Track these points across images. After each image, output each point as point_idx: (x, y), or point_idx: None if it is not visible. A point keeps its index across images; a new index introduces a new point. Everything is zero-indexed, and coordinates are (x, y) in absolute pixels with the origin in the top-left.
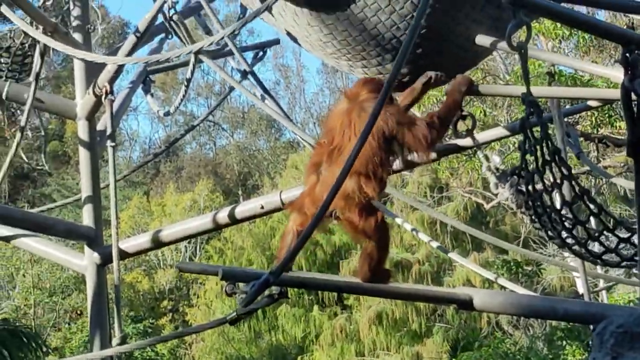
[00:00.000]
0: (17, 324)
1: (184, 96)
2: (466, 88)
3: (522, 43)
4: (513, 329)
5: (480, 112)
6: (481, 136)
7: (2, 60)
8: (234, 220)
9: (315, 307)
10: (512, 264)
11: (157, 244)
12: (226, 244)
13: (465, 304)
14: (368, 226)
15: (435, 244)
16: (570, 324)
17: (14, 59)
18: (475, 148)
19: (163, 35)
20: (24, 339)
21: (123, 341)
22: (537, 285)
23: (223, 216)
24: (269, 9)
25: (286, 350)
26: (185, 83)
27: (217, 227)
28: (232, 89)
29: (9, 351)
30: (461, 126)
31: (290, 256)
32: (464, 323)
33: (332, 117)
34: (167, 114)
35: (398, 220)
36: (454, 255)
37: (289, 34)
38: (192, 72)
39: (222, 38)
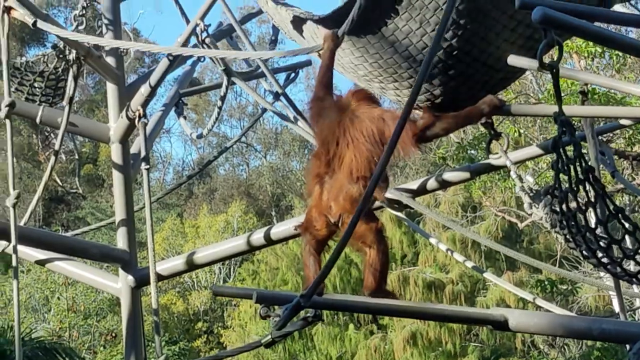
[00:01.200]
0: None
1: (217, 118)
2: (489, 109)
3: (554, 62)
4: (549, 348)
5: (515, 131)
6: (514, 155)
7: (35, 84)
8: (268, 242)
9: (351, 326)
10: (546, 283)
11: (192, 266)
12: (260, 265)
13: (500, 325)
14: (368, 231)
15: (470, 264)
16: (607, 343)
17: (48, 83)
18: (508, 168)
19: (195, 57)
20: (58, 357)
21: None
22: (573, 304)
23: (257, 238)
24: (301, 32)
25: None
26: (219, 103)
27: (252, 249)
28: (264, 110)
29: None
30: (494, 146)
31: (320, 278)
32: (499, 342)
33: (323, 129)
34: (200, 136)
35: (432, 240)
36: (489, 275)
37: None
38: (225, 93)
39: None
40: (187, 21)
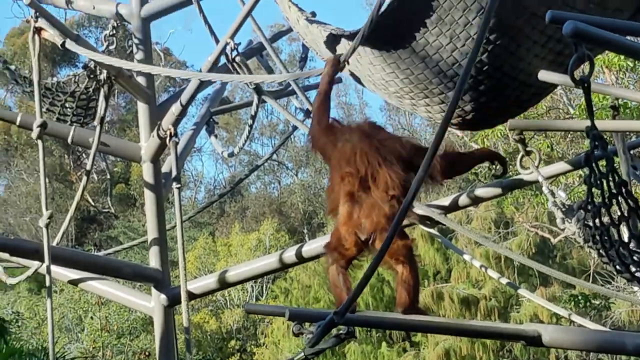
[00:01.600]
0: None
1: (247, 136)
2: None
3: (585, 77)
4: None
5: (547, 146)
6: (546, 170)
7: (67, 105)
8: (300, 260)
9: (384, 344)
10: (580, 298)
11: (224, 284)
12: (292, 282)
13: (534, 340)
14: (401, 248)
15: (505, 281)
16: None
17: (79, 103)
18: (540, 183)
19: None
20: None
21: None
22: (606, 319)
23: (289, 255)
24: (334, 51)
25: None
26: (250, 122)
27: (284, 267)
28: (295, 127)
29: None
30: (526, 162)
31: (354, 295)
32: (532, 358)
33: (346, 151)
34: (231, 154)
35: (466, 257)
36: (524, 292)
37: (352, 74)
38: (256, 111)
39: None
40: (217, 40)
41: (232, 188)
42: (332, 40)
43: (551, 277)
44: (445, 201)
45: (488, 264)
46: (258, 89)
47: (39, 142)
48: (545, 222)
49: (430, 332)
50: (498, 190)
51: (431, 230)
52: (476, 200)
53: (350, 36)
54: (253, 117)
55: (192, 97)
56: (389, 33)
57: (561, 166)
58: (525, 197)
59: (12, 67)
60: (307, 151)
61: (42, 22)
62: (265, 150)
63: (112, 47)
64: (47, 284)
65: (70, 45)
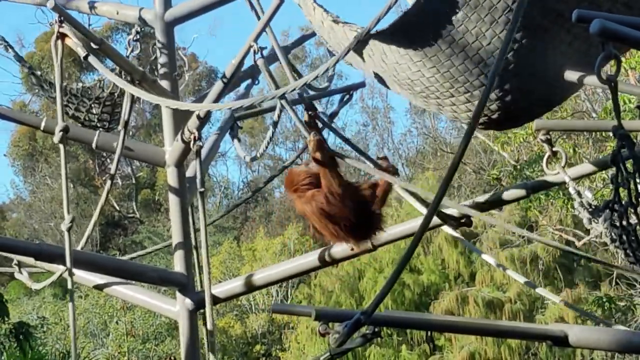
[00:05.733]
0: None
1: (269, 141)
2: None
3: (612, 76)
4: None
5: (570, 147)
6: (572, 171)
7: (93, 110)
8: (324, 263)
9: (404, 347)
10: (604, 299)
11: (248, 288)
12: (315, 288)
13: (560, 340)
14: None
15: (543, 292)
16: None
17: (104, 109)
18: (566, 184)
19: (249, 80)
20: None
21: None
22: (632, 321)
23: (314, 259)
24: (358, 52)
25: None
26: (272, 128)
27: (308, 271)
28: None
29: None
30: (552, 163)
31: (381, 296)
32: None
33: None
34: (253, 159)
35: (491, 260)
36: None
37: (376, 75)
38: (279, 117)
39: (304, 84)
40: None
41: (253, 193)
42: (358, 45)
43: (576, 280)
44: (469, 204)
45: (513, 267)
46: (281, 96)
47: (61, 146)
48: (569, 225)
49: (457, 332)
50: (523, 192)
51: (455, 233)
52: (501, 203)
53: (376, 35)
54: (275, 125)
55: (217, 100)
56: (416, 30)
57: (588, 167)
58: (548, 201)
59: (38, 73)
60: None
61: (66, 29)
62: (290, 155)
63: (135, 52)
64: (69, 287)
65: (93, 60)
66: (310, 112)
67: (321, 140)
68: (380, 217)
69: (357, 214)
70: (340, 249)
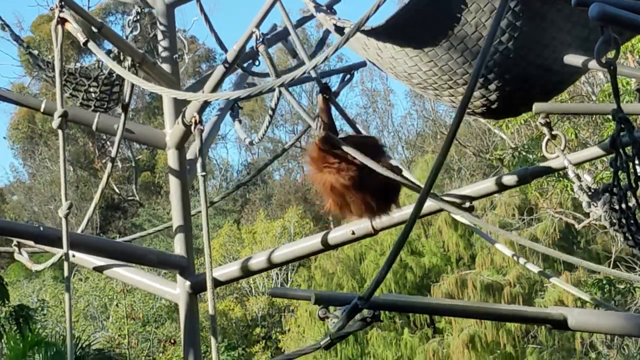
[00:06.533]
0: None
1: (268, 125)
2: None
3: (611, 60)
4: (607, 349)
5: (572, 133)
6: (572, 157)
7: (91, 90)
8: (326, 247)
9: (406, 330)
10: (604, 282)
11: (248, 271)
12: (315, 270)
13: (560, 324)
14: None
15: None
16: None
17: (102, 88)
18: (566, 168)
19: (250, 62)
20: None
21: None
22: (631, 304)
23: (314, 243)
24: (351, 47)
25: None
26: (270, 112)
27: (308, 254)
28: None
29: None
30: (551, 147)
31: (379, 279)
32: (557, 344)
33: None
34: (252, 143)
35: (498, 246)
36: (555, 280)
37: (374, 64)
38: (277, 100)
39: (305, 73)
40: (222, 46)
41: (253, 175)
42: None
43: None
44: (470, 189)
45: (512, 250)
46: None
47: (60, 132)
48: (569, 208)
49: (456, 315)
50: (524, 178)
51: (462, 219)
52: (502, 188)
53: (372, 32)
54: (274, 106)
55: (218, 85)
56: (412, 26)
57: (588, 152)
58: (549, 184)
59: (35, 52)
60: None
61: (66, 14)
62: (290, 137)
63: (135, 33)
64: (66, 273)
65: (92, 46)
66: (325, 95)
67: (326, 137)
68: (398, 192)
69: (384, 186)
70: (341, 232)
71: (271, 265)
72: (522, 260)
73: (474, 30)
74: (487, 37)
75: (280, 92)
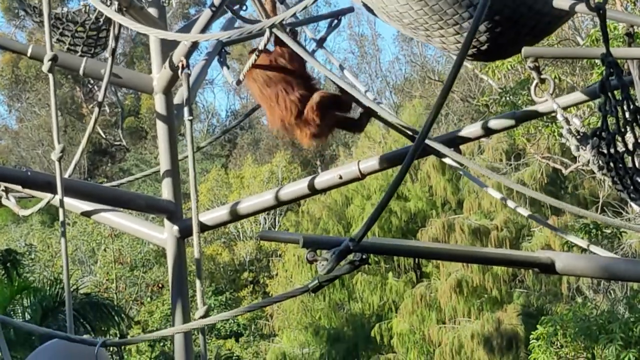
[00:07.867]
0: (99, 297)
1: (253, 64)
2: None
3: (600, 4)
4: (594, 293)
5: (556, 77)
6: (561, 101)
7: (77, 34)
8: (312, 191)
9: (390, 275)
10: (591, 226)
11: (236, 216)
12: (303, 215)
13: (547, 267)
14: None
15: (525, 212)
16: None
17: (89, 33)
18: (554, 112)
19: (237, 6)
20: (105, 311)
21: (206, 314)
22: (618, 248)
23: (302, 187)
24: None
25: (365, 318)
26: (257, 54)
27: (296, 199)
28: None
29: (89, 323)
30: (539, 91)
31: (370, 222)
32: (544, 288)
33: None
34: (238, 82)
35: (490, 191)
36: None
37: (365, 5)
38: (266, 44)
39: (294, 14)
40: None
41: (241, 120)
42: None
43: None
44: (457, 133)
45: (501, 194)
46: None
47: (50, 75)
48: (557, 153)
49: (443, 259)
50: (511, 122)
51: (451, 162)
52: (489, 132)
53: None
54: (260, 51)
55: (205, 29)
56: None
57: (576, 96)
58: (536, 129)
59: None
60: (320, 82)
61: None
62: None
63: None
64: (61, 218)
65: None
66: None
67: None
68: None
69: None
70: (328, 176)
71: (259, 209)
72: (512, 204)
73: None
74: None
75: (270, 35)
